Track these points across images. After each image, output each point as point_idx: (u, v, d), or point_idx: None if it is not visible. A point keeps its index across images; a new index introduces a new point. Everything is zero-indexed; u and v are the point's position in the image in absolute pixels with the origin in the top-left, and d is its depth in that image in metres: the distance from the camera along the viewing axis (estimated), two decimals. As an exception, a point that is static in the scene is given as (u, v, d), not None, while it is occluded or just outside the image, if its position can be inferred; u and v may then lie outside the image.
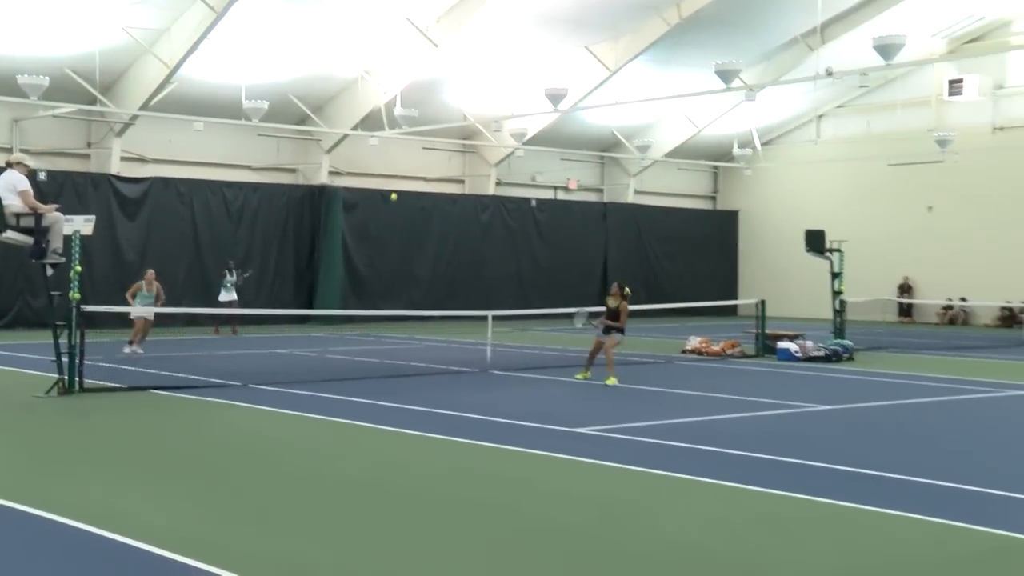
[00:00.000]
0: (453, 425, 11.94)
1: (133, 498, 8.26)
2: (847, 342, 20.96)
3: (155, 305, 20.06)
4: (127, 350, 19.61)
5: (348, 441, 11.09)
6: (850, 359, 20.23)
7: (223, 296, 25.93)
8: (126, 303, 20.22)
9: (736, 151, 34.56)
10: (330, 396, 14.28)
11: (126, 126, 27.08)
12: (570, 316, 18.42)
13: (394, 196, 25.94)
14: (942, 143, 30.55)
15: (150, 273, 20.71)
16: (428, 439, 11.02)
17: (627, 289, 17.16)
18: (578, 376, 16.68)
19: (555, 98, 23.59)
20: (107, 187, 27.12)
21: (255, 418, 12.57)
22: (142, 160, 28.55)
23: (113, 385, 15.04)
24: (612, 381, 15.91)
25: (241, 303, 26.15)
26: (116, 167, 27.49)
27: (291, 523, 7.46)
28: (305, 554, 6.67)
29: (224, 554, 6.59)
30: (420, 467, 9.62)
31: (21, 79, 21.81)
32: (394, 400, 13.85)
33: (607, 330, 16.78)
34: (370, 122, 29.19)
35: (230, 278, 26.12)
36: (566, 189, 36.78)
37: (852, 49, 28.18)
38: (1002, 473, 9.65)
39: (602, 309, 17.56)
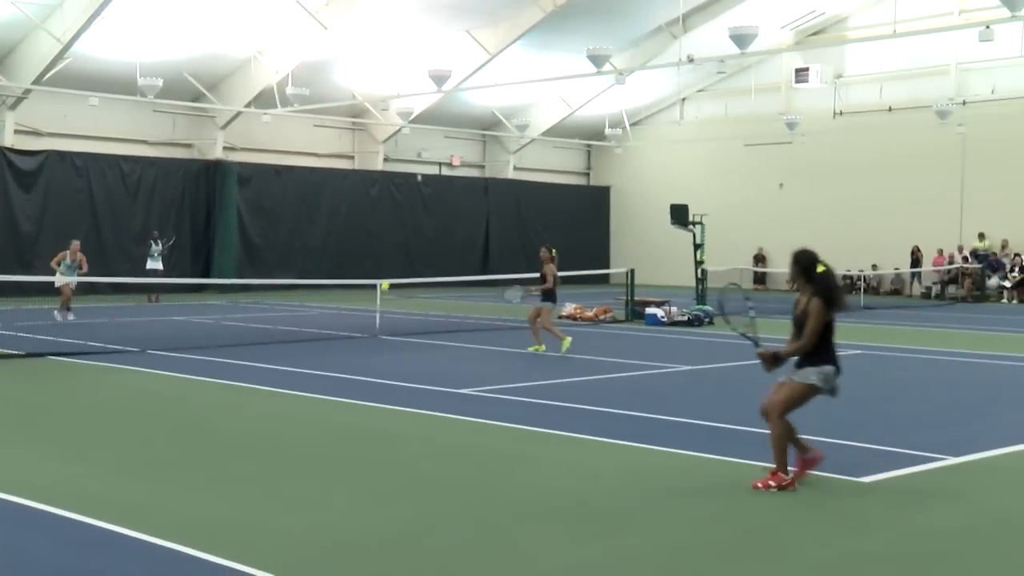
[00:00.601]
0: (342, 387, 11.87)
1: (29, 460, 8.02)
2: (707, 308, 21.49)
3: (77, 274, 19.78)
4: (59, 317, 19.33)
5: (239, 402, 10.94)
6: (710, 323, 20.75)
7: (150, 265, 25.12)
8: (25, 272, 19.65)
9: (607, 131, 34.95)
10: (225, 361, 14.06)
11: (19, 100, 25.97)
12: (456, 284, 18.34)
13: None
14: (791, 126, 31.49)
15: (75, 244, 20.05)
16: (316, 400, 10.94)
17: (553, 251, 16.02)
18: (530, 349, 15.70)
19: (439, 79, 23.48)
20: (1, 160, 26.01)
21: (151, 381, 12.30)
22: (37, 134, 27.44)
23: (10, 352, 14.50)
24: (567, 343, 15.12)
25: (141, 272, 25.48)
26: (10, 140, 26.37)
27: (179, 478, 7.35)
28: (200, 506, 6.58)
29: (114, 508, 6.46)
30: (310, 427, 9.56)
31: (-88, 52, 20.73)
32: (287, 364, 13.70)
33: (547, 297, 15.71)
34: (263, 100, 28.60)
35: (155, 247, 25.28)
36: (450, 165, 36.69)
37: (711, 38, 28.74)
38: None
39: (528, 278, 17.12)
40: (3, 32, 23.94)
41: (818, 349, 7.10)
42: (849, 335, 19.32)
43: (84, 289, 25.65)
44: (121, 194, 28.16)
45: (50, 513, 6.38)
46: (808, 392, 7.15)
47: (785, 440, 7.12)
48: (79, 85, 25.87)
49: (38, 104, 26.69)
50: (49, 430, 9.35)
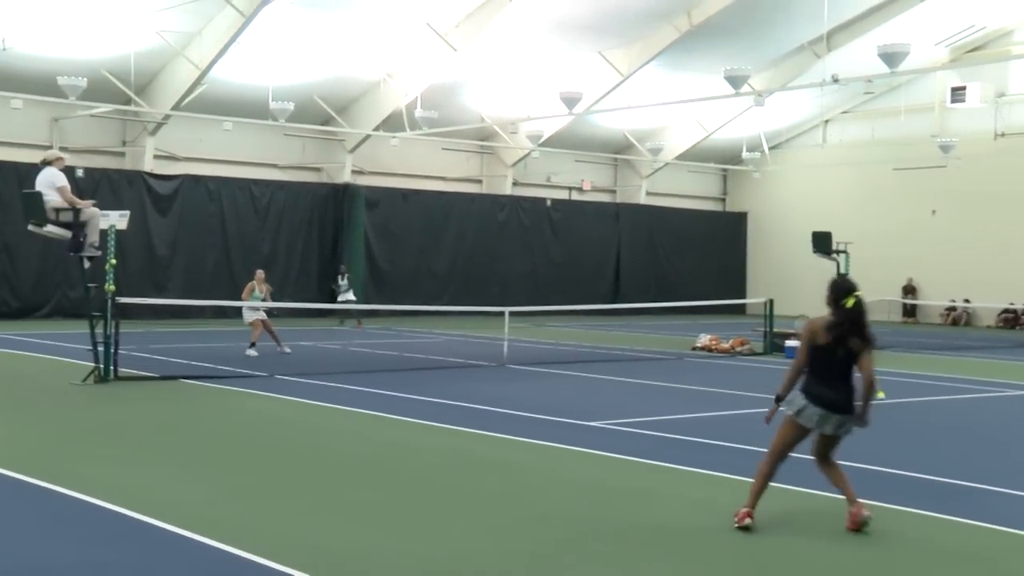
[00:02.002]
0: (468, 416, 12.01)
1: (158, 480, 8.38)
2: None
3: (265, 299, 19.10)
4: (253, 352, 18.24)
5: (363, 430, 11.18)
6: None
7: (342, 297, 27.15)
8: (158, 295, 20.20)
9: (745, 154, 34.53)
10: (350, 387, 14.40)
11: (159, 125, 27.26)
12: (586, 312, 18.36)
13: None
14: (945, 148, 30.44)
15: (260, 273, 19.39)
16: (440, 429, 11.10)
17: None
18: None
19: (570, 101, 23.63)
20: (140, 184, 27.31)
21: (277, 407, 12.69)
22: (173, 158, 28.72)
23: (146, 374, 15.18)
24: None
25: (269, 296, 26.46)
26: (149, 165, 27.67)
27: (305, 503, 7.56)
28: (316, 532, 6.76)
29: (234, 530, 6.69)
30: (432, 456, 9.72)
31: (61, 80, 22.06)
32: (413, 392, 13.95)
33: None
34: (391, 123, 29.27)
35: (342, 281, 27.43)
36: (580, 190, 36.80)
37: (857, 56, 28.11)
38: (995, 470, 9.67)
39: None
40: (147, 61, 25.20)
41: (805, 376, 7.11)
42: (1015, 374, 18.53)
43: (215, 313, 26.69)
44: (251, 217, 29.20)
45: (177, 534, 6.65)
46: (788, 424, 7.22)
47: (759, 479, 7.24)
48: (214, 110, 27.01)
49: (175, 129, 27.97)
50: (178, 451, 9.74)
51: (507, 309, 20.00)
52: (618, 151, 36.53)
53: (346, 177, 30.90)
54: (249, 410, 12.48)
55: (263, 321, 18.91)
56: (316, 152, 31.34)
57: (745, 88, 22.03)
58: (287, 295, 28.45)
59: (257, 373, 15.73)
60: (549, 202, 35.12)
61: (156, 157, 27.98)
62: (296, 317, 27.86)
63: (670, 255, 37.57)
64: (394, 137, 29.17)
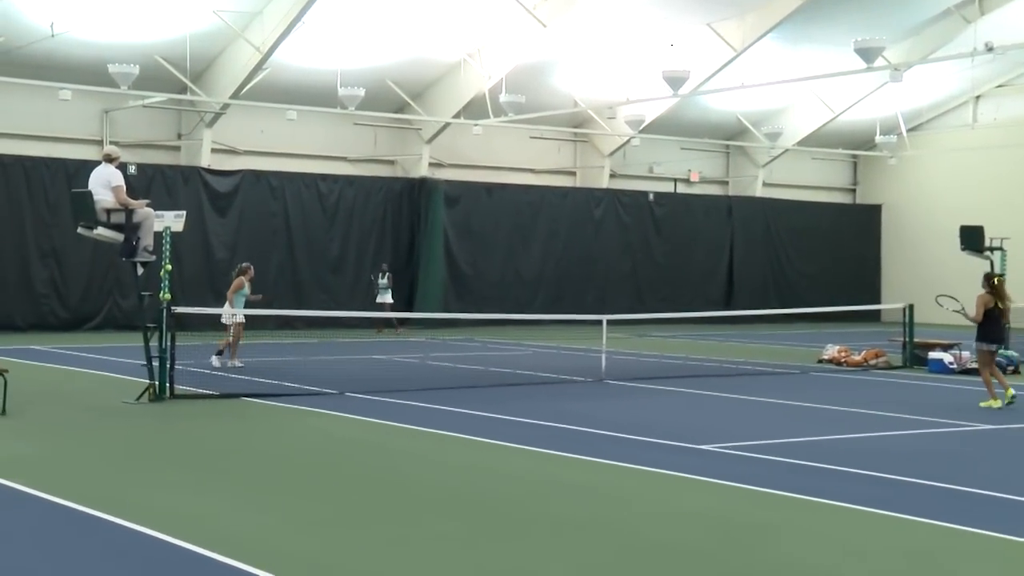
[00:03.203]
0: (561, 438, 12.04)
1: (221, 508, 8.56)
2: (1012, 353, 20.27)
3: (251, 301, 19.59)
4: (217, 362, 18.82)
5: (447, 453, 11.28)
6: (1016, 372, 19.63)
7: (380, 299, 28.18)
8: (219, 304, 20.33)
9: (879, 138, 33.89)
10: (430, 406, 14.53)
11: (217, 116, 27.84)
12: (694, 321, 18.28)
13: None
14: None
15: (252, 270, 19.66)
16: (533, 453, 11.13)
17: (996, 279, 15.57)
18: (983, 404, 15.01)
19: (675, 81, 23.51)
20: (197, 181, 27.92)
21: (349, 428, 12.87)
22: (233, 152, 29.31)
23: (205, 392, 15.52)
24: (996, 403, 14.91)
25: (337, 304, 26.99)
26: (206, 160, 28.27)
27: (382, 535, 7.65)
28: (395, 568, 6.83)
29: (305, 565, 6.79)
30: (521, 482, 9.76)
31: (112, 68, 22.63)
32: (498, 411, 14.03)
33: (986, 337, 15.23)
34: (473, 109, 29.45)
35: (382, 281, 28.36)
36: (687, 181, 36.57)
37: (1015, 20, 27.38)
38: None
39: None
40: (203, 44, 25.77)
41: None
42: None
43: (279, 324, 27.16)
44: (317, 216, 29.63)
45: (243, 571, 6.78)
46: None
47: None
48: (277, 98, 27.49)
49: (235, 120, 28.53)
50: (240, 477, 9.95)
51: (605, 317, 19.97)
52: (730, 137, 36.21)
53: (423, 170, 31.19)
54: (317, 430, 12.68)
55: (239, 325, 19.00)
56: (389, 143, 31.70)
57: (879, 61, 21.64)
58: (358, 302, 28.79)
59: (325, 390, 15.96)
60: (652, 196, 34.97)
61: (214, 151, 28.59)
62: (366, 327, 28.19)
63: (791, 255, 37.11)
64: (476, 125, 29.36)
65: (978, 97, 36.14)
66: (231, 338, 19.10)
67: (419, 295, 30.62)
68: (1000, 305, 15.24)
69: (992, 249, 21.67)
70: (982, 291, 15.38)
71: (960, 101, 36.32)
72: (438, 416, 13.66)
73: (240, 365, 19.00)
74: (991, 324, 15.19)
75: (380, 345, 24.19)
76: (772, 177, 37.48)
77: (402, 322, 28.53)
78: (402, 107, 30.35)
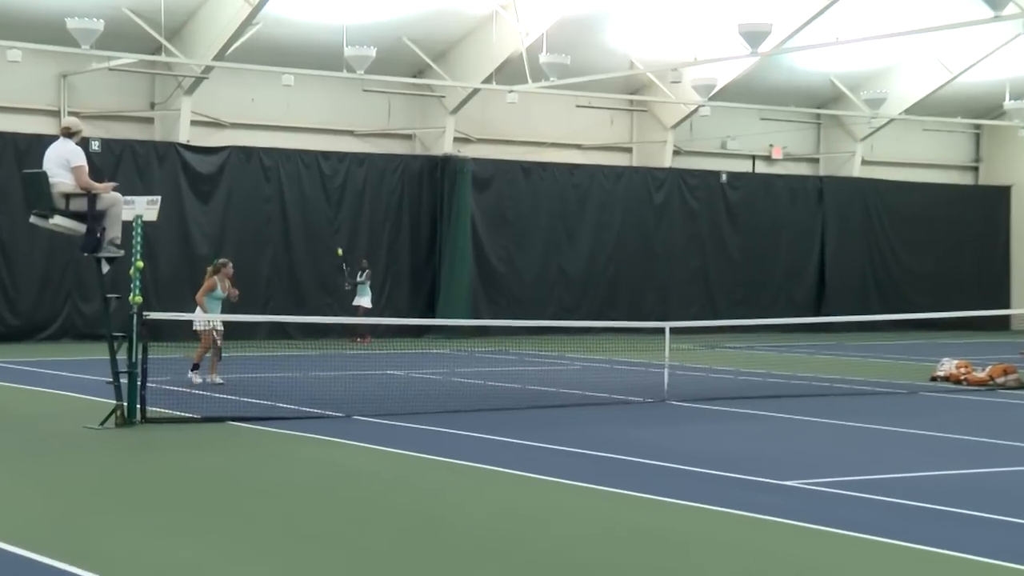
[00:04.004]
0: (615, 472, 12.04)
1: (203, 558, 8.59)
2: None
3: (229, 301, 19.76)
4: (197, 379, 19.01)
5: (479, 490, 11.30)
6: None
7: (358, 301, 28.27)
8: (193, 307, 20.48)
9: (1008, 104, 33.62)
10: (456, 432, 14.55)
11: (198, 81, 27.94)
12: (777, 329, 18.24)
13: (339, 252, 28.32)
14: None
15: (230, 266, 19.83)
16: (582, 490, 11.11)
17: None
18: None
19: (753, 37, 23.39)
20: (175, 159, 28.08)
21: (359, 458, 12.90)
22: (217, 124, 29.45)
23: (183, 415, 15.58)
24: None
25: (343, 309, 27.19)
26: (185, 134, 28.41)
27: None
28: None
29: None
30: (566, 525, 9.74)
31: (71, 23, 22.63)
32: (539, 438, 14.02)
33: None
34: (507, 73, 29.44)
35: (360, 278, 28.41)
36: (768, 159, 36.42)
37: None
38: None
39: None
40: (179, -6, 25.95)
41: None
42: None
43: (271, 331, 27.24)
44: (319, 202, 29.74)
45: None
46: None
47: None
48: (270, 60, 27.55)
49: (219, 86, 28.64)
50: (229, 519, 9.98)
51: (667, 324, 19.89)
52: (822, 104, 36.01)
53: (447, 147, 31.23)
54: (320, 462, 12.71)
55: (217, 332, 19.09)
56: (406, 114, 31.77)
57: (1010, 9, 21.38)
58: (371, 308, 28.85)
59: (329, 413, 16.00)
60: (725, 177, 34.86)
61: (194, 124, 28.70)
62: (381, 338, 28.24)
63: (897, 248, 36.88)
64: (511, 92, 29.35)
65: None
66: (202, 348, 19.23)
67: (442, 298, 30.65)
68: None
69: None
70: None
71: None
72: (467, 445, 13.68)
73: (220, 382, 19.08)
74: None
75: (397, 359, 24.23)
76: (874, 153, 37.24)
77: (426, 330, 28.64)
78: (422, 70, 30.38)
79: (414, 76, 30.45)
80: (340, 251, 28.54)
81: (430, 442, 13.78)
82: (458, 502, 10.79)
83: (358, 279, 28.38)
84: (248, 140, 29.40)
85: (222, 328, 19.22)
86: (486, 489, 11.38)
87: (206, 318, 18.83)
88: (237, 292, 19.73)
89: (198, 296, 19.43)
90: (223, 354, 19.57)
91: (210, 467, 12.41)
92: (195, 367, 19.19)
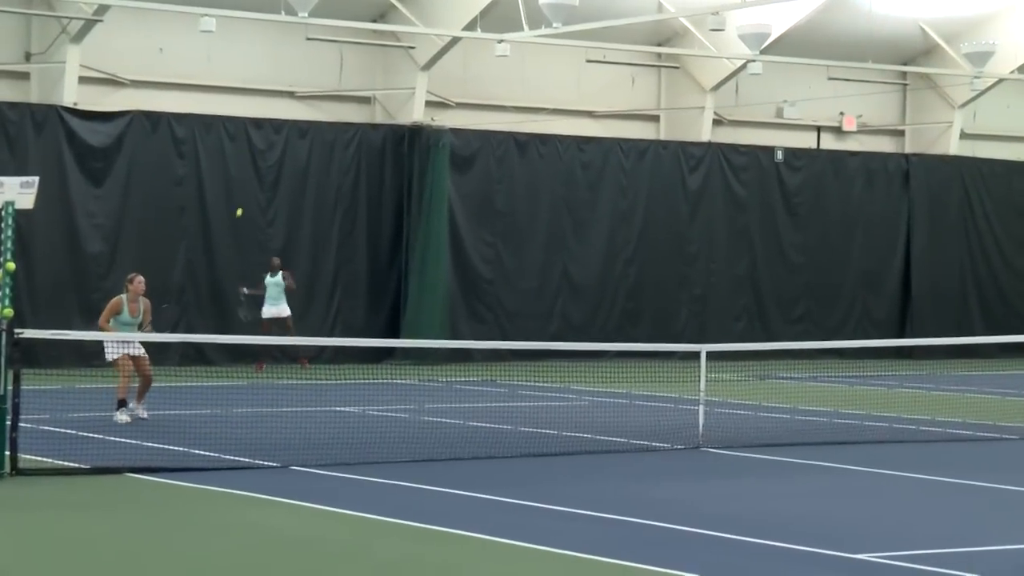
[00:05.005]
0: (632, 541, 12.04)
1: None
2: None
3: (143, 331, 19.95)
4: (123, 417, 19.41)
5: (454, 564, 11.27)
6: None
7: (268, 311, 27.95)
8: (89, 324, 20.58)
9: None
10: (427, 488, 14.52)
11: (88, 25, 27.89)
12: (848, 353, 18.27)
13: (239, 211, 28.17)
14: None
15: (138, 281, 20.05)
16: (586, 563, 11.12)
17: None
18: None
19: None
20: (57, 128, 28.07)
21: (300, 523, 12.87)
22: (114, 82, 29.44)
23: (68, 464, 15.52)
24: None
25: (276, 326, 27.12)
26: (72, 95, 28.37)
27: None
28: None
29: None
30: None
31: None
32: (533, 496, 14.02)
33: None
34: (496, 18, 29.45)
35: (271, 279, 28.16)
36: (838, 131, 36.49)
37: None
38: None
39: None
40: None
41: None
42: None
43: (185, 355, 27.20)
44: (250, 185, 29.77)
45: None
46: None
47: None
48: (184, -3, 27.63)
49: (117, 33, 28.59)
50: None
51: (704, 348, 19.91)
52: (909, 60, 36.09)
53: (417, 114, 31.24)
54: (249, 528, 12.67)
55: (136, 359, 19.39)
56: (364, 70, 31.79)
57: None
58: (314, 322, 28.83)
59: (261, 462, 15.97)
60: (780, 154, 34.91)
61: (84, 81, 28.67)
62: (331, 363, 28.23)
63: (1006, 248, 36.91)
64: (501, 41, 29.37)
65: None
66: (124, 379, 19.43)
67: (410, 312, 30.65)
68: None
69: None
70: None
71: None
72: (440, 505, 13.69)
73: (143, 416, 19.46)
74: None
75: (348, 390, 24.21)
76: (977, 125, 37.38)
77: (385, 354, 28.60)
78: (384, 13, 30.39)
79: (374, 20, 30.48)
80: (240, 211, 28.60)
81: (392, 501, 13.78)
82: (428, 580, 10.80)
83: (267, 280, 28.16)
84: (155, 103, 29.38)
85: (142, 353, 19.55)
86: (465, 562, 11.35)
87: (117, 337, 19.11)
88: (165, 308, 20.04)
89: (100, 322, 19.67)
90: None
91: (99, 535, 12.33)
92: (121, 404, 19.37)
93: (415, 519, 12.83)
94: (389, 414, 21.30)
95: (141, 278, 20.06)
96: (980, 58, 32.54)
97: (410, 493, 14.30)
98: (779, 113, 35.76)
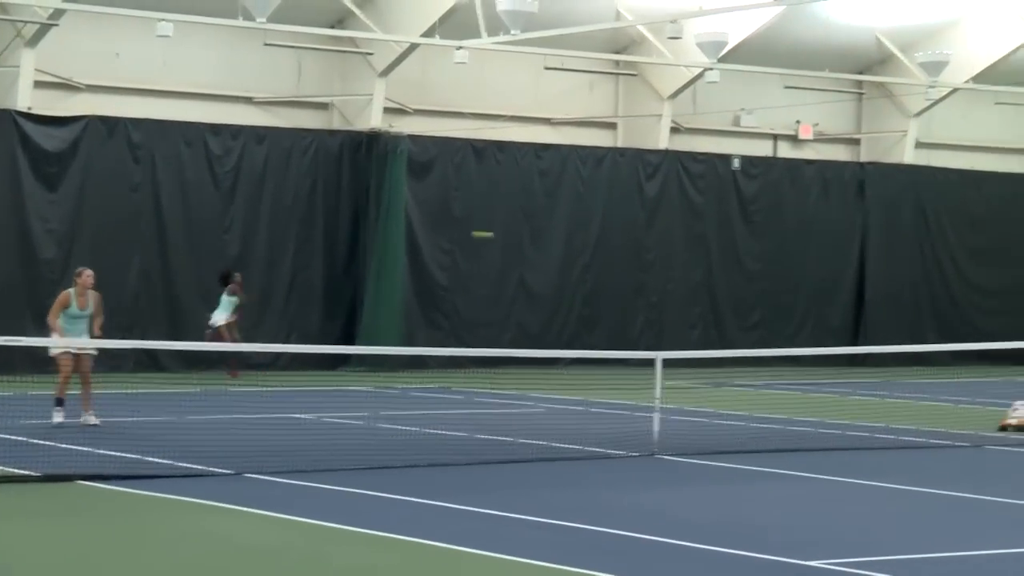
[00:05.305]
0: (587, 548, 12.06)
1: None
2: None
3: (93, 332, 19.88)
4: (59, 418, 19.45)
5: (410, 571, 11.25)
6: None
7: (216, 319, 27.55)
8: (42, 330, 20.51)
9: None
10: (383, 495, 14.49)
11: (44, 30, 27.78)
12: (803, 361, 18.30)
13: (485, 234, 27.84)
14: None
15: (86, 275, 20.08)
16: (547, 571, 11.10)
17: None
18: None
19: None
20: (12, 132, 27.93)
21: (255, 531, 12.83)
22: (70, 86, 29.32)
23: (17, 471, 15.40)
24: None
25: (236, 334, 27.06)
26: (26, 99, 28.24)
27: None
28: None
29: None
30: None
31: None
32: (493, 504, 14.01)
33: None
34: (455, 24, 29.43)
35: (226, 298, 27.68)
36: (795, 139, 36.56)
37: None
38: None
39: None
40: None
41: None
42: None
43: (140, 361, 27.08)
44: (207, 192, 29.68)
45: None
46: None
47: None
48: (140, 2, 27.41)
49: (73, 37, 28.46)
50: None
51: (660, 355, 19.91)
52: (864, 69, 36.20)
53: (375, 121, 31.19)
54: (203, 537, 12.60)
55: (78, 357, 19.37)
56: (322, 76, 31.73)
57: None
58: (269, 328, 28.77)
59: (214, 469, 15.89)
60: (737, 162, 34.96)
61: (39, 86, 28.54)
62: (286, 369, 28.15)
63: (960, 257, 37.03)
64: (459, 48, 29.35)
65: None
66: (63, 377, 19.41)
67: (365, 319, 30.58)
68: None
69: None
70: None
71: None
72: (396, 513, 13.64)
73: (96, 423, 19.40)
74: None
75: (304, 398, 24.17)
76: (931, 133, 37.49)
77: (341, 360, 28.52)
78: (342, 19, 30.35)
79: (332, 26, 30.43)
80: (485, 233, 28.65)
81: (348, 509, 13.77)
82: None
83: (223, 297, 27.82)
84: (111, 108, 29.28)
85: (92, 353, 19.64)
86: (422, 571, 11.35)
87: (68, 344, 19.10)
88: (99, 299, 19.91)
89: (50, 319, 19.65)
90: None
91: (50, 544, 12.25)
92: (59, 402, 19.38)
93: (370, 527, 12.82)
94: (344, 421, 21.28)
95: (90, 272, 20.08)
96: (935, 67, 32.68)
97: (366, 500, 14.29)
98: (736, 121, 35.84)
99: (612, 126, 34.95)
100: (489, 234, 29.22)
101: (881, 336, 33.75)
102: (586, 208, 33.00)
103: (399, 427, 20.79)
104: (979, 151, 38.60)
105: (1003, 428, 21.53)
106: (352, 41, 30.94)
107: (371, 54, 31.05)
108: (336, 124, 31.72)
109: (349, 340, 29.93)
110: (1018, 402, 22.21)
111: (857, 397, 26.50)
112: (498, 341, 30.30)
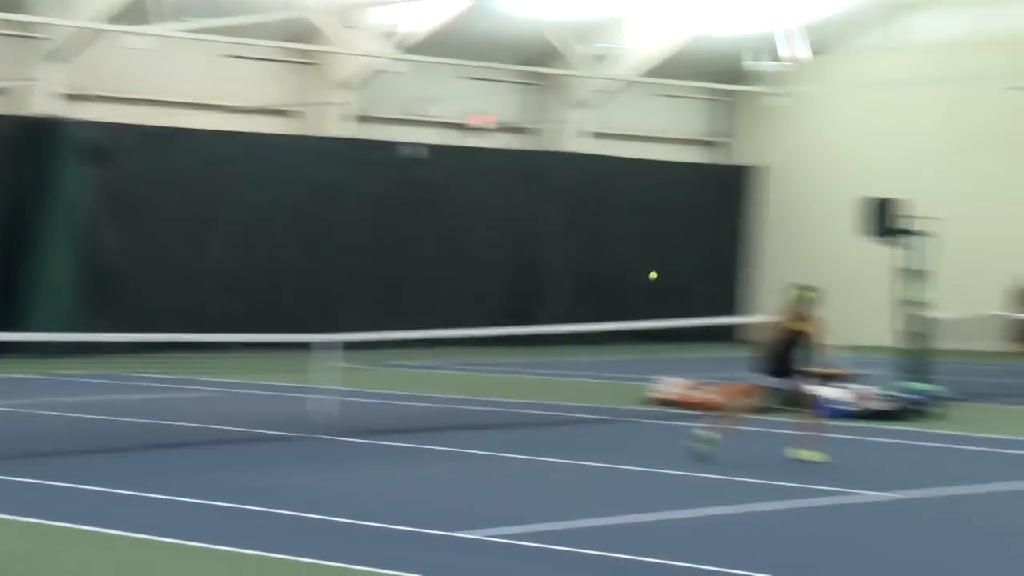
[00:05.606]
0: (260, 529, 12.02)
1: None
2: (932, 387, 21.25)
3: None
4: None
5: (67, 558, 11.01)
6: (937, 415, 20.56)
7: None
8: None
9: (756, 66, 34.85)
10: (39, 482, 14.12)
11: None
12: (472, 342, 18.45)
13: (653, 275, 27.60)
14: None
15: None
16: (209, 552, 11.04)
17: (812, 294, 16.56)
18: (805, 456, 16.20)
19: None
20: None
21: None
22: None
23: None
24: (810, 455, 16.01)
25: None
26: None
27: None
28: None
29: None
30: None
31: None
32: (158, 488, 13.76)
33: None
34: (134, 10, 28.93)
35: None
36: (473, 128, 36.80)
37: None
38: None
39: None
40: None
41: None
42: None
43: None
44: None
45: None
46: None
47: None
48: None
49: None
50: None
51: (327, 337, 19.76)
52: (538, 61, 36.61)
53: (47, 105, 30.52)
54: None
55: None
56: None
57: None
58: None
59: None
60: (416, 150, 35.02)
61: None
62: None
63: (621, 239, 37.69)
64: (130, 33, 28.86)
65: (903, 5, 37.34)
66: None
67: (32, 304, 29.80)
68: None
69: (909, 233, 22.35)
70: None
71: (876, 15, 37.51)
72: (53, 499, 13.35)
73: None
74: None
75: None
76: (601, 123, 38.12)
77: None
78: (16, 1, 29.60)
79: (3, 10, 29.66)
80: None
81: (8, 497, 13.34)
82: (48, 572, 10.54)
83: None
84: None
85: None
86: (79, 556, 11.09)
87: None
88: None
89: None
90: None
91: None
92: None
93: (24, 514, 12.41)
94: (7, 409, 20.71)
95: None
96: (603, 60, 33.30)
97: (19, 488, 13.86)
98: (416, 110, 35.96)
99: (293, 114, 34.75)
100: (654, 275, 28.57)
101: (551, 317, 34.15)
102: (265, 195, 32.70)
103: (59, 414, 20.35)
104: (644, 142, 39.31)
105: (650, 400, 22.13)
106: (23, 26, 30.11)
107: (41, 39, 30.32)
108: (5, 109, 30.84)
109: (10, 326, 29.09)
110: (663, 377, 22.80)
111: (525, 375, 26.92)
112: (173, 325, 29.79)
